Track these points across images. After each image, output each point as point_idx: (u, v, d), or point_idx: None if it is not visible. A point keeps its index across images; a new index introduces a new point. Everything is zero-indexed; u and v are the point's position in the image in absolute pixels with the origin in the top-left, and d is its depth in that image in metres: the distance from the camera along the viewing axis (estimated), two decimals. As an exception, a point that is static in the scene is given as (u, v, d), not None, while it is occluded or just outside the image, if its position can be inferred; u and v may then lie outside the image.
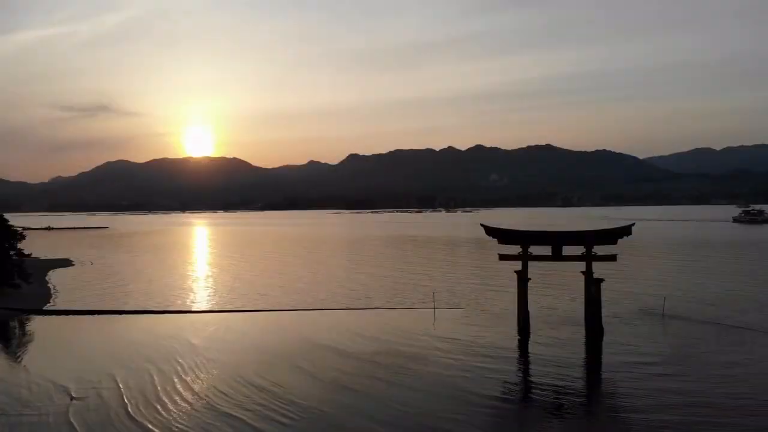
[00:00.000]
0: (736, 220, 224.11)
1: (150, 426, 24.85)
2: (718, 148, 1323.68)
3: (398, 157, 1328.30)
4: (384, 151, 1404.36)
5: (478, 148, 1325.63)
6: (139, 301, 58.03)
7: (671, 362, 33.10)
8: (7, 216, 67.15)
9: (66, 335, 44.49)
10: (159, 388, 29.96)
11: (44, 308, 54.25)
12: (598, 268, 41.74)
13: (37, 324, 48.34)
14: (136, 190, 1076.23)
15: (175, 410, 26.75)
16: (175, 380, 31.30)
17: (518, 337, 40.06)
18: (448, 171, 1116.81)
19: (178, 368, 33.56)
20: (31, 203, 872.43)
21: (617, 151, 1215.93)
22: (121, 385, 30.23)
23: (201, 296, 61.88)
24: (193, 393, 29.17)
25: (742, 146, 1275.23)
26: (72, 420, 25.60)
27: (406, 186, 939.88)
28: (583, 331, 40.77)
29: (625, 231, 41.19)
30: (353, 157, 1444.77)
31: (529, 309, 42.03)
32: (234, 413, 26.12)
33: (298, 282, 70.53)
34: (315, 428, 24.51)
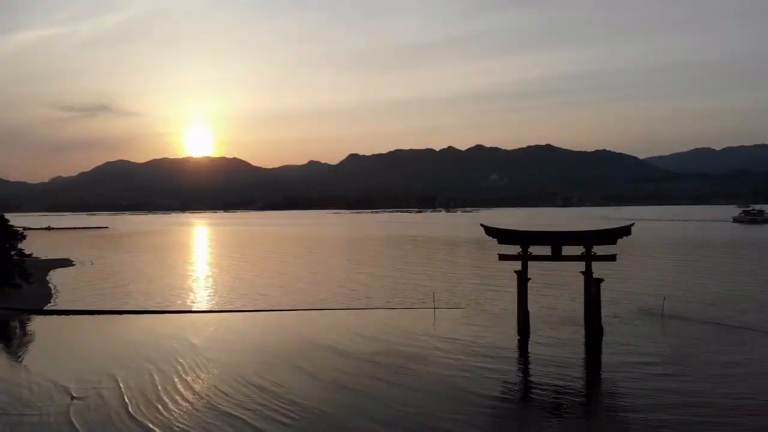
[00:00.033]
0: (736, 220, 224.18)
1: (151, 425, 24.91)
2: (718, 148, 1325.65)
3: (398, 157, 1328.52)
4: (384, 151, 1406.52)
5: (478, 148, 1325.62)
6: (139, 301, 58.09)
7: (671, 362, 33.16)
8: (7, 216, 67.21)
9: (67, 335, 44.54)
10: (159, 387, 30.02)
11: (45, 308, 54.31)
12: (598, 268, 41.79)
13: (37, 324, 48.41)
14: (136, 190, 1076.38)
15: (175, 410, 26.81)
16: (176, 380, 31.36)
17: (518, 337, 40.11)
18: (448, 171, 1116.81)
19: (179, 368, 33.62)
20: (31, 203, 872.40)
21: (617, 151, 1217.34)
22: (121, 385, 30.30)
23: (201, 296, 61.93)
24: (194, 393, 29.23)
25: (742, 146, 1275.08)
26: (73, 420, 25.66)
27: (406, 186, 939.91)
28: (582, 331, 40.83)
29: (625, 231, 41.23)
30: (353, 157, 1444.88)
31: (528, 309, 42.09)
32: (234, 413, 26.19)
33: (298, 282, 70.58)
34: (315, 428, 24.57)
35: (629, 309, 48.27)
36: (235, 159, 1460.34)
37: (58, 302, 57.67)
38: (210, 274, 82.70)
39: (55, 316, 51.53)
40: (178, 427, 24.81)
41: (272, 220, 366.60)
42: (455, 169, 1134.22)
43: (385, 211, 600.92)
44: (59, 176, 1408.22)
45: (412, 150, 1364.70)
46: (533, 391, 29.35)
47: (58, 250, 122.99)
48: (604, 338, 38.96)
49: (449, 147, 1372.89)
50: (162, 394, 29.04)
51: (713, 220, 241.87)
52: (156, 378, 31.64)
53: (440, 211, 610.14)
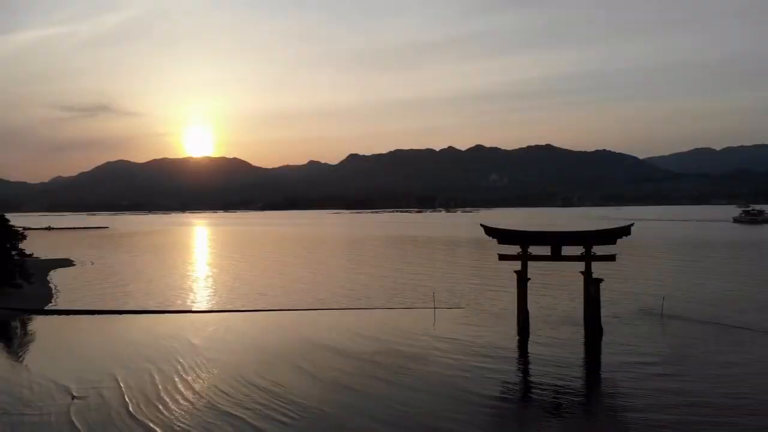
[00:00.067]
0: (736, 220, 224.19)
1: (151, 425, 24.98)
2: (718, 148, 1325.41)
3: (398, 157, 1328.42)
4: (384, 151, 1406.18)
5: (478, 148, 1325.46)
6: (139, 301, 58.16)
7: (670, 362, 33.23)
8: (7, 216, 67.27)
9: (67, 335, 44.60)
10: (160, 387, 30.09)
11: (46, 308, 54.38)
12: (598, 268, 41.84)
13: (38, 324, 48.49)
14: (136, 190, 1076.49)
15: (176, 409, 26.87)
16: (176, 379, 31.43)
17: (518, 337, 40.18)
18: (448, 171, 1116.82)
19: (179, 368, 33.69)
20: (31, 203, 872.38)
21: (617, 151, 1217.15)
22: (122, 385, 30.36)
23: (201, 296, 62.00)
24: (194, 392, 29.30)
25: (742, 146, 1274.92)
26: (73, 419, 25.72)
27: (406, 186, 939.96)
28: (582, 331, 40.89)
29: (624, 231, 41.30)
30: (353, 157, 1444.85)
31: (528, 309, 42.17)
32: (235, 412, 26.25)
33: (298, 282, 70.65)
34: (315, 427, 24.63)
35: (629, 309, 48.33)
36: (235, 159, 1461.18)
37: (59, 302, 57.74)
38: (210, 274, 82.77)
39: (55, 316, 51.60)
40: (178, 426, 24.88)
41: (272, 220, 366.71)
42: (455, 169, 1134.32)
43: (385, 211, 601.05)
44: (59, 176, 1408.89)
45: (412, 150, 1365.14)
46: (533, 391, 29.42)
47: (58, 250, 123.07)
48: (604, 338, 39.02)
49: (449, 147, 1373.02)
50: (162, 393, 29.10)
51: (713, 220, 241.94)
52: (156, 377, 31.71)
53: (440, 211, 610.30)
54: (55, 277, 77.62)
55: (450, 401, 27.38)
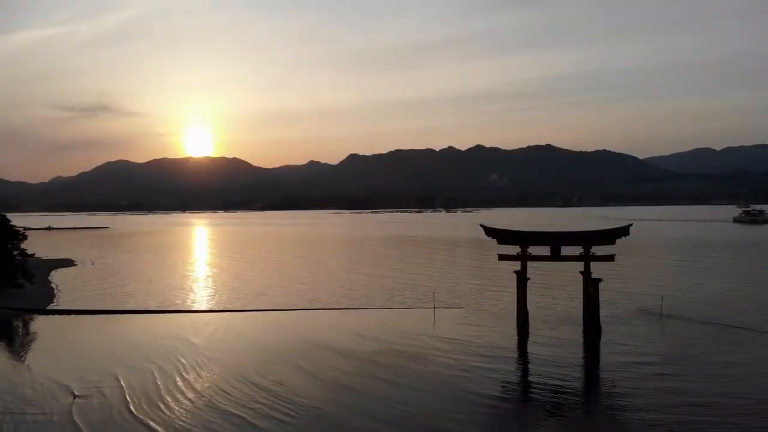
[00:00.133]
0: (736, 220, 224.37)
1: (152, 424, 25.12)
2: (718, 148, 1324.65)
3: (398, 157, 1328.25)
4: (384, 151, 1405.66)
5: (478, 148, 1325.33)
6: (139, 300, 58.30)
7: (669, 362, 33.35)
8: (7, 216, 67.36)
9: (69, 335, 44.75)
10: (161, 386, 30.24)
11: (47, 308, 54.53)
12: (597, 269, 42.01)
13: (40, 323, 48.63)
14: (136, 190, 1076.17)
15: (177, 408, 27.02)
16: (177, 379, 31.58)
17: (517, 336, 40.33)
18: (448, 171, 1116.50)
19: (180, 367, 33.84)
20: (31, 203, 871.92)
21: (617, 151, 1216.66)
22: (123, 384, 30.52)
23: (201, 296, 62.14)
24: (195, 391, 29.44)
25: (742, 146, 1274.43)
26: (75, 418, 25.87)
27: (406, 186, 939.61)
28: (581, 331, 41.04)
29: (623, 231, 41.45)
30: (353, 157, 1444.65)
31: (528, 309, 42.34)
32: (235, 411, 26.40)
33: (298, 282, 70.77)
34: (315, 427, 24.76)
35: (628, 309, 48.47)
36: (235, 159, 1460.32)
37: (60, 302, 57.88)
38: (210, 274, 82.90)
39: (57, 315, 51.75)
40: (179, 425, 25.02)
41: (272, 220, 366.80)
42: (455, 169, 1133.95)
43: (385, 211, 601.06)
44: (59, 176, 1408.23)
45: (412, 150, 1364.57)
46: (532, 390, 29.54)
47: (59, 250, 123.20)
48: (603, 338, 39.15)
49: (449, 147, 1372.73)
50: (163, 392, 29.25)
51: (713, 221, 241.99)
52: (157, 377, 31.86)
53: (440, 211, 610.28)
54: (57, 277, 77.76)
55: (450, 401, 27.51)
